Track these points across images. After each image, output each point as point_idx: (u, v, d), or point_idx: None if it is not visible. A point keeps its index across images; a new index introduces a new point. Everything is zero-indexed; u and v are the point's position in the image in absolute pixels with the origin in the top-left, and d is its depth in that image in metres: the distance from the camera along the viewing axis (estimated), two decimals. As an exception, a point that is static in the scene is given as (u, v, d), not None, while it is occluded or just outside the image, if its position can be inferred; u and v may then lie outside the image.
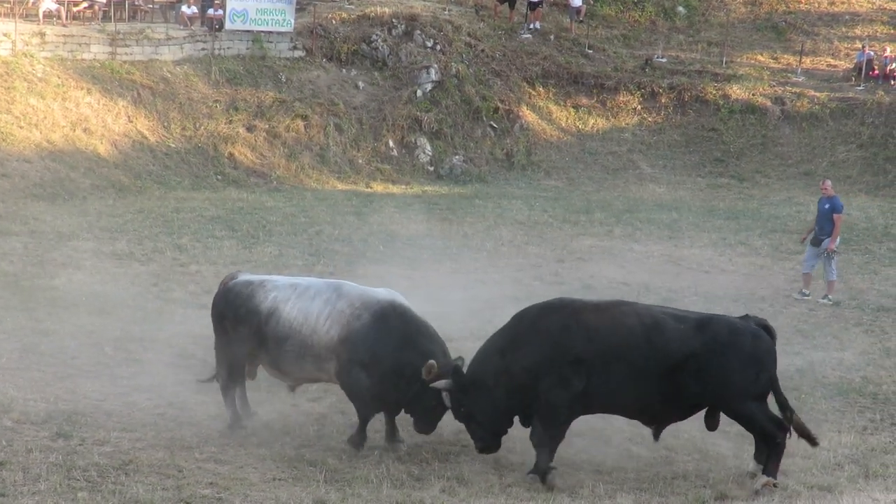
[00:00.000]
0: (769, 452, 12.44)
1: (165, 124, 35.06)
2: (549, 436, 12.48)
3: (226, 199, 31.36)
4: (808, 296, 22.64)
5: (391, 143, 37.75)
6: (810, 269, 22.91)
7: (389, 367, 12.83)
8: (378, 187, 35.31)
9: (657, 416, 12.67)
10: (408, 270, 23.35)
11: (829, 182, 23.69)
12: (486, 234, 28.02)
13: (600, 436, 14.03)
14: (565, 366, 12.26)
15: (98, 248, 24.04)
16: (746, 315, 13.02)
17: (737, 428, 12.98)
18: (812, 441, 12.76)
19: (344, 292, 13.37)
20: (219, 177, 34.10)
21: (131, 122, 34.42)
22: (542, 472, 12.49)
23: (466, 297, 20.79)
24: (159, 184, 32.52)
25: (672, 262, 25.78)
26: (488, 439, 12.81)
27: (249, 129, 36.04)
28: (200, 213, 28.91)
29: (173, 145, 34.59)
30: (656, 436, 12.88)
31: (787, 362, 16.48)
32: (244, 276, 14.09)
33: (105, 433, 13.27)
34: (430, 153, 37.91)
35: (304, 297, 13.39)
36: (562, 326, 12.47)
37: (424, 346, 12.93)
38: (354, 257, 24.56)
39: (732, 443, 13.64)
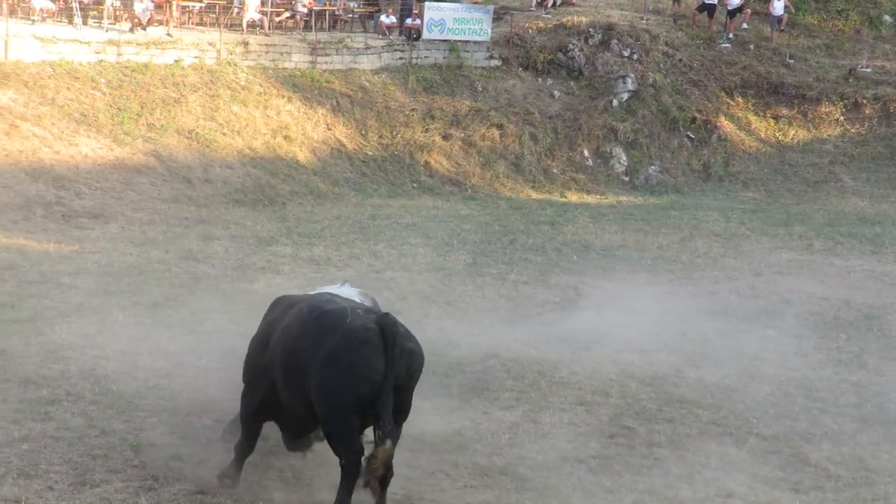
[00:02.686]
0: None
1: (363, 132, 35.54)
2: None
3: (421, 207, 31.59)
4: None
5: (586, 153, 37.55)
6: None
7: None
8: (572, 197, 35.13)
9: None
10: (601, 281, 23.18)
11: None
12: (681, 245, 27.62)
13: (797, 454, 13.70)
14: None
15: (296, 253, 24.44)
16: (386, 314, 11.24)
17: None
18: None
19: None
20: (414, 184, 34.40)
21: (330, 129, 34.99)
22: None
23: (660, 310, 20.55)
24: (356, 191, 32.95)
25: (874, 278, 24.97)
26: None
27: (445, 137, 36.28)
28: (396, 220, 29.17)
29: (370, 153, 35.03)
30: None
31: None
32: None
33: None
34: (625, 163, 37.60)
35: None
36: None
37: None
38: (548, 267, 24.47)
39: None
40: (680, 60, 40.99)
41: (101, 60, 33.32)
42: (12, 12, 33.50)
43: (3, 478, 11.55)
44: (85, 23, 34.19)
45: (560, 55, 40.12)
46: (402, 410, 11.11)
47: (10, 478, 11.57)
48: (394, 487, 12.02)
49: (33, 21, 33.29)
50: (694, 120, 39.22)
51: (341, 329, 10.94)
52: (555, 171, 36.67)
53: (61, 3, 34.48)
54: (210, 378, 15.22)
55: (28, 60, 31.99)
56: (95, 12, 35.23)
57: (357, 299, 12.76)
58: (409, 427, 13.83)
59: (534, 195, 34.86)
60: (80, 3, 34.41)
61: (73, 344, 16.42)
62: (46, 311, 18.49)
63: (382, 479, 10.87)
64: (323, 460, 12.18)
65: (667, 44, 41.41)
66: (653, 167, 37.75)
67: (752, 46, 42.24)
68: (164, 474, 11.81)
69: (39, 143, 29.30)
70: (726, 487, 12.59)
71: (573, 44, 40.33)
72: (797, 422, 15.08)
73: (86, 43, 33.32)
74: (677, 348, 18.34)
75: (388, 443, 10.64)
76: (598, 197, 35.32)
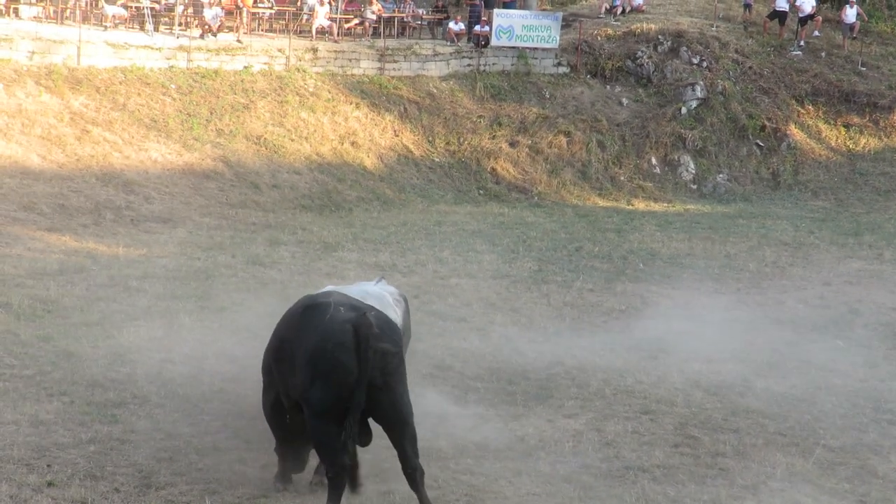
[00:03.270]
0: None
1: (430, 139, 35.60)
2: None
3: (487, 214, 31.59)
4: None
5: (654, 161, 37.36)
6: None
7: None
8: (639, 205, 34.96)
9: None
10: (668, 290, 23.07)
11: None
12: (749, 254, 27.40)
13: (865, 465, 13.55)
14: None
15: (362, 258, 24.52)
16: (364, 314, 10.99)
17: None
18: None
19: None
20: (481, 191, 34.40)
21: (397, 136, 35.09)
22: None
23: (728, 318, 20.42)
24: (422, 197, 33.01)
25: (946, 289, 24.66)
26: None
27: (512, 144, 36.25)
28: (462, 226, 29.19)
29: (437, 159, 35.09)
30: None
31: None
32: None
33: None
34: (693, 171, 37.36)
35: None
36: None
37: None
38: (614, 275, 24.38)
39: None
40: (750, 68, 40.65)
41: (172, 66, 33.66)
42: (85, 19, 33.94)
43: (70, 479, 11.68)
44: (156, 29, 34.54)
45: (629, 62, 39.97)
46: (394, 415, 11.04)
47: (76, 479, 11.69)
48: (456, 494, 12.05)
49: (106, 28, 33.68)
50: (763, 128, 38.89)
51: (319, 328, 10.88)
52: (622, 178, 36.51)
53: (133, 9, 34.85)
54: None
55: (100, 66, 32.39)
56: (167, 19, 35.62)
57: (388, 298, 12.92)
58: (472, 434, 13.88)
59: (600, 203, 34.73)
60: (151, 9, 34.78)
61: (140, 347, 16.57)
62: (115, 314, 18.68)
63: (337, 483, 10.93)
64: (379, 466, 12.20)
65: (737, 51, 41.08)
66: (721, 175, 37.48)
67: (823, 54, 41.81)
68: (228, 478, 11.89)
69: (110, 147, 29.64)
70: (792, 498, 12.46)
71: (642, 51, 40.16)
72: (865, 433, 14.91)
73: (157, 49, 33.69)
74: (744, 358, 18.20)
75: (349, 443, 10.63)
76: (666, 205, 35.11)
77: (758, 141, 38.64)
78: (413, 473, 11.07)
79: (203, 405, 14.36)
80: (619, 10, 42.89)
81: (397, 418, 11.06)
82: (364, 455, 11.89)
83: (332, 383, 10.65)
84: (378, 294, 13.22)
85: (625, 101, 39.08)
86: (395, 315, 12.86)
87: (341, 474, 10.83)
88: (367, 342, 10.60)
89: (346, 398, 10.58)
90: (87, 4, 34.39)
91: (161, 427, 13.46)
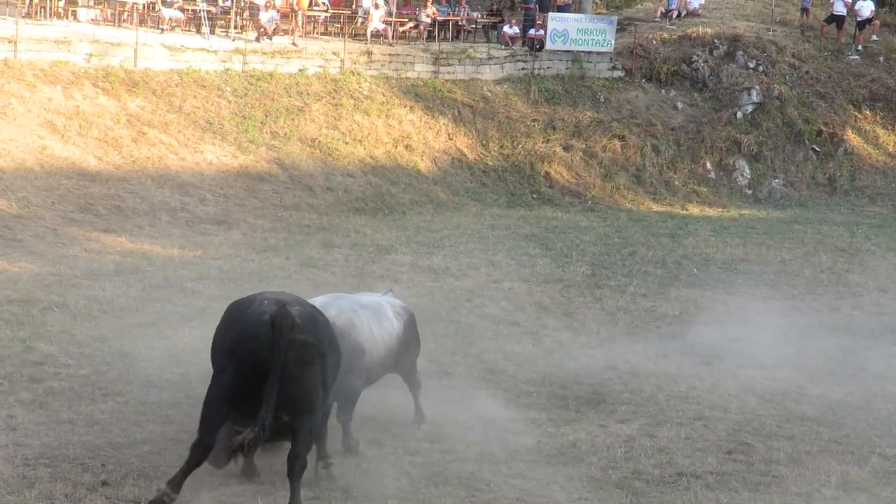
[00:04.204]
0: None
1: (484, 142, 35.59)
2: None
3: (540, 218, 31.53)
4: None
5: (709, 165, 37.16)
6: None
7: None
8: (694, 209, 34.78)
9: None
10: (723, 295, 22.95)
11: None
12: (804, 260, 27.19)
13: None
14: None
15: (415, 262, 24.54)
16: (284, 305, 11.14)
17: None
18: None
19: None
20: (534, 195, 34.35)
21: (451, 139, 35.11)
22: None
23: (783, 325, 20.28)
24: (476, 201, 33.00)
25: None
26: None
27: (566, 148, 36.17)
28: (515, 230, 29.16)
29: (491, 163, 35.07)
30: None
31: None
32: None
33: (416, 443, 13.47)
34: (748, 176, 37.12)
35: None
36: None
37: None
38: (668, 280, 24.28)
39: None
40: (807, 72, 40.35)
41: (227, 69, 33.85)
42: (142, 21, 34.19)
43: (123, 479, 11.75)
44: (212, 32, 34.75)
45: (684, 66, 39.77)
46: (301, 405, 11.14)
47: (130, 479, 11.76)
48: (508, 498, 12.03)
49: (162, 30, 33.93)
50: (820, 133, 38.58)
51: (240, 320, 11.19)
52: (676, 183, 36.34)
53: (190, 12, 35.08)
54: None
55: (156, 69, 32.63)
56: (222, 22, 35.80)
57: (387, 309, 13.54)
58: (524, 438, 13.86)
59: (654, 207, 34.59)
60: (207, 12, 34.99)
61: (194, 348, 16.63)
62: (169, 315, 18.80)
63: (231, 452, 11.23)
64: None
65: (793, 55, 40.79)
66: (777, 180, 37.22)
67: (881, 58, 41.43)
68: (280, 479, 11.91)
69: (166, 149, 29.86)
70: (847, 507, 12.37)
71: (698, 55, 39.95)
72: (922, 442, 14.74)
73: (213, 52, 33.89)
74: (799, 364, 18.06)
75: (256, 430, 10.72)
76: (720, 210, 34.91)
77: (814, 146, 38.33)
78: (294, 461, 11.16)
79: (256, 406, 14.40)
80: (675, 13, 42.69)
81: (303, 408, 11.18)
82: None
83: (244, 370, 10.89)
84: (374, 304, 13.58)
85: (680, 105, 38.89)
86: (391, 326, 13.46)
87: (199, 449, 11.02)
88: (281, 332, 10.79)
89: (254, 386, 10.76)
90: (144, 7, 34.64)
91: (214, 428, 13.50)
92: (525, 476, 12.72)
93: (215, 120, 31.75)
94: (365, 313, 13.21)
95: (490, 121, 36.20)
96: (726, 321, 20.61)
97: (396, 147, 33.84)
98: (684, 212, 34.38)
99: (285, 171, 31.01)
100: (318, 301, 12.94)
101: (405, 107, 35.20)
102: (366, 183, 31.86)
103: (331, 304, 12.95)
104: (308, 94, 34.17)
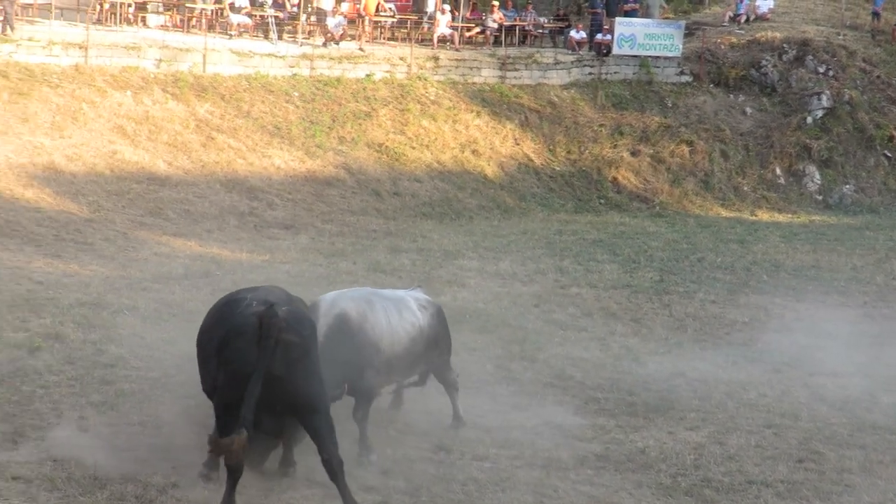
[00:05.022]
0: None
1: (551, 147, 35.52)
2: None
3: (608, 223, 31.41)
4: None
5: (778, 171, 36.84)
6: None
7: None
8: (763, 215, 34.50)
9: None
10: (792, 302, 22.73)
11: None
12: (876, 266, 26.87)
13: None
14: None
15: (482, 267, 24.51)
16: (272, 305, 11.12)
17: None
18: None
19: None
20: (601, 200, 34.23)
21: (518, 144, 35.06)
22: None
23: (854, 332, 20.06)
24: (543, 206, 32.94)
25: None
26: None
27: (634, 153, 36.02)
28: (582, 235, 29.07)
29: (558, 168, 34.99)
30: None
31: None
32: None
33: (484, 449, 13.45)
34: (818, 182, 36.76)
35: None
36: None
37: None
38: (737, 286, 24.08)
39: None
40: (878, 77, 39.89)
41: (295, 74, 34.02)
42: (210, 27, 34.48)
43: (193, 481, 11.78)
44: (280, 37, 34.97)
45: (752, 71, 39.48)
46: (298, 403, 11.16)
47: (200, 481, 11.79)
48: (577, 505, 11.98)
49: (230, 36, 34.18)
50: (892, 138, 38.13)
51: (228, 320, 11.25)
52: (745, 188, 36.07)
53: (258, 18, 35.32)
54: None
55: (225, 74, 32.86)
56: (290, 27, 36.02)
57: (410, 302, 13.53)
58: (593, 445, 13.81)
59: (723, 213, 34.36)
60: (275, 18, 35.21)
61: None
62: (238, 318, 18.85)
63: (230, 471, 11.01)
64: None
65: (864, 60, 40.36)
66: (847, 186, 36.82)
67: (954, 63, 40.94)
68: (350, 482, 11.92)
69: (234, 154, 30.06)
70: (921, 518, 12.21)
71: (766, 59, 39.63)
72: None
73: (280, 57, 34.08)
74: (871, 372, 17.85)
75: (243, 432, 10.61)
76: (790, 216, 34.60)
77: (886, 152, 37.89)
78: (329, 460, 11.15)
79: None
80: (744, 18, 42.41)
81: (302, 406, 11.19)
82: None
83: (233, 371, 10.92)
84: (394, 296, 13.56)
85: (748, 110, 38.60)
86: (414, 317, 13.37)
87: (213, 445, 11.01)
88: (268, 332, 10.82)
89: (242, 386, 10.77)
90: (212, 13, 34.93)
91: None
92: (593, 482, 12.65)
93: (283, 125, 31.91)
94: (382, 304, 13.13)
95: (557, 126, 36.12)
96: (796, 328, 20.42)
97: (463, 152, 33.85)
98: (753, 217, 34.11)
99: (352, 175, 31.11)
100: (331, 294, 13.04)
101: (472, 112, 35.20)
102: (433, 188, 31.89)
103: (343, 297, 12.99)
104: (375, 99, 34.26)
